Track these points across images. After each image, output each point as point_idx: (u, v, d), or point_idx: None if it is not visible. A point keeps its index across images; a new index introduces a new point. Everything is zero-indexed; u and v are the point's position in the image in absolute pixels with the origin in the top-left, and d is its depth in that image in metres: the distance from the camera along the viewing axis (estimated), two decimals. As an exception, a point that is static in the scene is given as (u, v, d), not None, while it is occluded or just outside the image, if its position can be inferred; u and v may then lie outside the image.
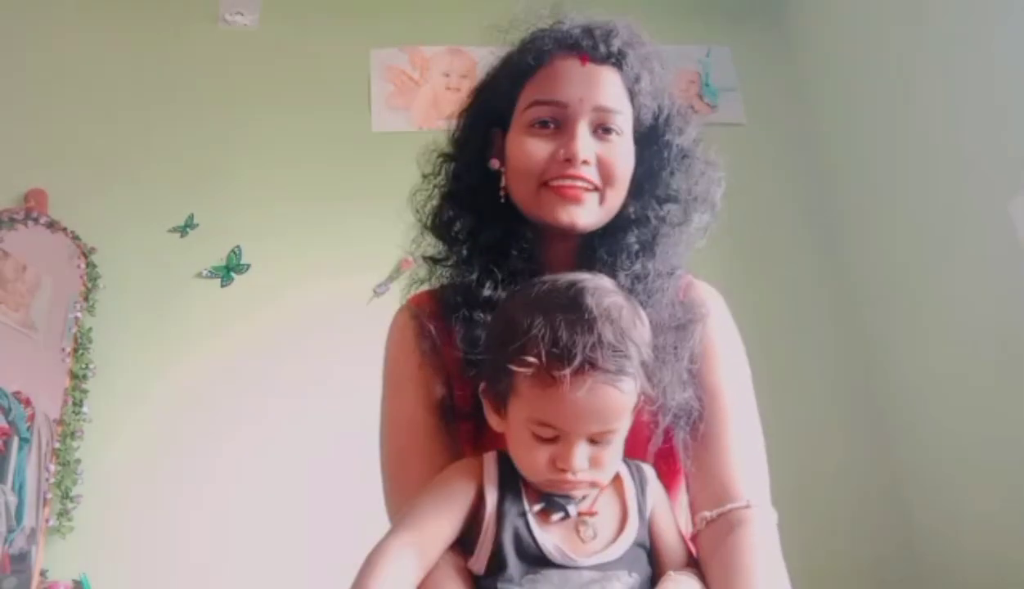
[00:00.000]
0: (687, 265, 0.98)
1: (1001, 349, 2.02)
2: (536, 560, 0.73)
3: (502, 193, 0.93)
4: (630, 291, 0.87)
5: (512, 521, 0.74)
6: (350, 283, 2.42)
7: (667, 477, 0.87)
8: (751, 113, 2.82)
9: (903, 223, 2.39)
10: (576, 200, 0.87)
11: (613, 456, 0.76)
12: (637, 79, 0.91)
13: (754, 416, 0.90)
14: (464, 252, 0.94)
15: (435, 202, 0.99)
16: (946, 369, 2.23)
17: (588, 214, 0.88)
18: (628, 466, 0.82)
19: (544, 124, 0.89)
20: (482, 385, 0.81)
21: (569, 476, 0.73)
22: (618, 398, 0.73)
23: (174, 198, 2.54)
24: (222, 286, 2.48)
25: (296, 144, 2.63)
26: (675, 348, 0.87)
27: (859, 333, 2.57)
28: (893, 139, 2.42)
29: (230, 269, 2.49)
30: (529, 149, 0.89)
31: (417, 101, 2.73)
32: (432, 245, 0.99)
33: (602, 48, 0.90)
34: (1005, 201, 1.98)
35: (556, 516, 0.76)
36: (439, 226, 0.97)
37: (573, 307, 0.73)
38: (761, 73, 2.88)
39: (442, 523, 0.75)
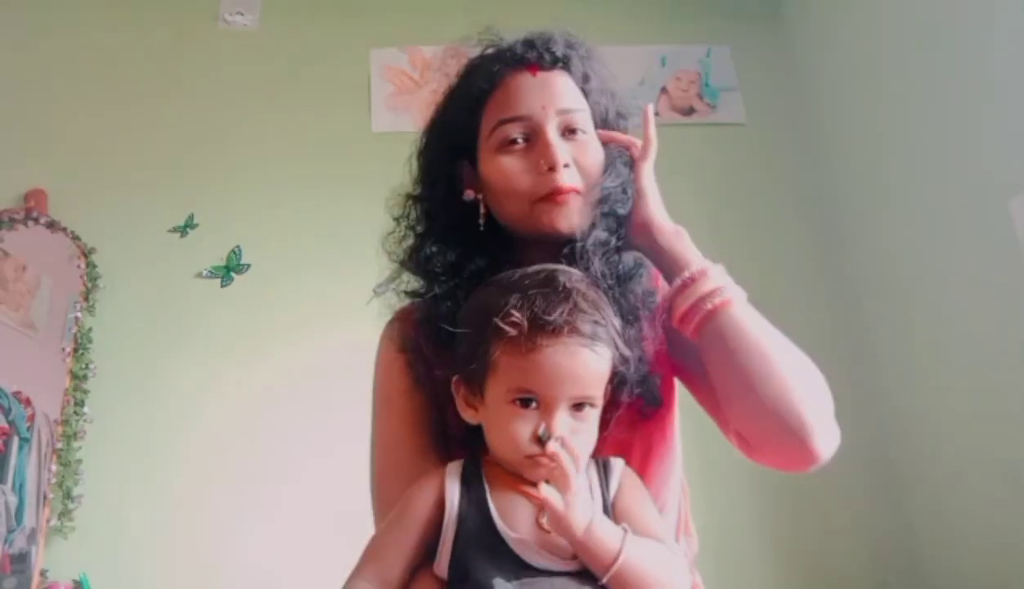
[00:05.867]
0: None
1: (1001, 349, 2.02)
2: (512, 564, 0.72)
3: (482, 221, 0.94)
4: (605, 280, 0.88)
5: (476, 522, 0.74)
6: (350, 283, 2.42)
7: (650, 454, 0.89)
8: (751, 113, 2.82)
9: (903, 223, 2.39)
10: (567, 205, 0.88)
11: (587, 437, 0.78)
12: (586, 78, 0.95)
13: None
14: (447, 285, 0.93)
15: (411, 241, 0.99)
16: (946, 368, 2.23)
17: (579, 216, 0.89)
18: (595, 462, 0.82)
19: (514, 142, 0.90)
20: (455, 378, 0.82)
21: (549, 447, 0.73)
22: (595, 361, 0.77)
23: (174, 198, 2.54)
24: (222, 286, 2.48)
25: (296, 144, 2.63)
26: (641, 337, 0.88)
27: (859, 332, 2.57)
28: (893, 138, 2.42)
29: (230, 269, 2.49)
30: (509, 169, 0.90)
31: (417, 101, 2.72)
32: (411, 279, 0.99)
33: (547, 55, 0.93)
34: (1005, 201, 1.98)
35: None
36: (419, 262, 0.97)
37: (547, 283, 0.78)
38: (761, 73, 2.88)
39: (401, 547, 0.75)
